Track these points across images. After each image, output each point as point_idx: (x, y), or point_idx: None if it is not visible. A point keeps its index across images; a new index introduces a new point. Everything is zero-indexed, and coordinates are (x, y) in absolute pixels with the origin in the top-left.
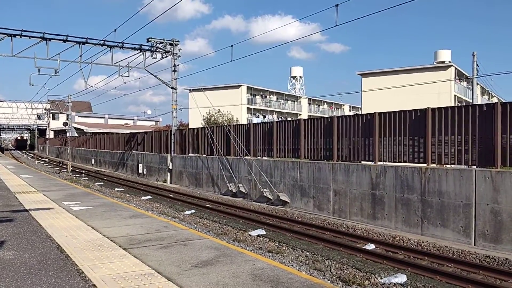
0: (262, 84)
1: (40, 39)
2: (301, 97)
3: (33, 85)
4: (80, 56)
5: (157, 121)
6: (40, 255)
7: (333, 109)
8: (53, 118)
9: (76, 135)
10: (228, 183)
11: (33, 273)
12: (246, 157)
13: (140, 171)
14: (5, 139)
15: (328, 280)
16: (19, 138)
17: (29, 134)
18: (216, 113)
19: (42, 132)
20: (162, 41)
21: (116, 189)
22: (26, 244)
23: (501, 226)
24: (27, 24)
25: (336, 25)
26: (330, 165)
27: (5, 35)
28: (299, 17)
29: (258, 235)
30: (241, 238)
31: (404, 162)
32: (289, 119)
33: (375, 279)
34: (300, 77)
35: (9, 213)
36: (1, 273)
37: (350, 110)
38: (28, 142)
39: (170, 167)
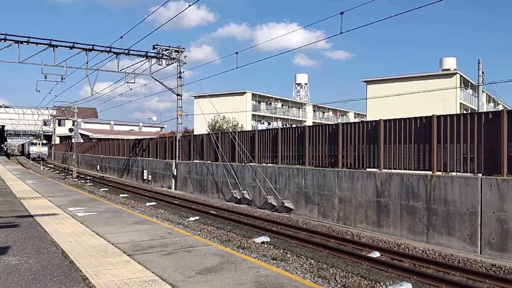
0: (267, 91)
1: (47, 46)
2: (306, 104)
3: (39, 91)
4: (87, 62)
5: (162, 127)
6: (45, 261)
7: (338, 116)
8: (59, 124)
9: (82, 141)
10: (233, 189)
11: (37, 278)
12: (251, 163)
13: (145, 177)
14: (11, 145)
15: None
16: (34, 142)
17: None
18: (221, 119)
19: (48, 138)
20: (168, 48)
21: (121, 195)
22: (31, 250)
23: (507, 235)
24: (34, 31)
25: (341, 33)
26: (335, 172)
27: (13, 42)
28: (304, 25)
29: (263, 242)
30: (245, 245)
31: (410, 169)
32: (294, 126)
33: (380, 287)
34: (305, 84)
35: (14, 218)
36: (6, 278)
37: (355, 117)
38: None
39: (175, 173)
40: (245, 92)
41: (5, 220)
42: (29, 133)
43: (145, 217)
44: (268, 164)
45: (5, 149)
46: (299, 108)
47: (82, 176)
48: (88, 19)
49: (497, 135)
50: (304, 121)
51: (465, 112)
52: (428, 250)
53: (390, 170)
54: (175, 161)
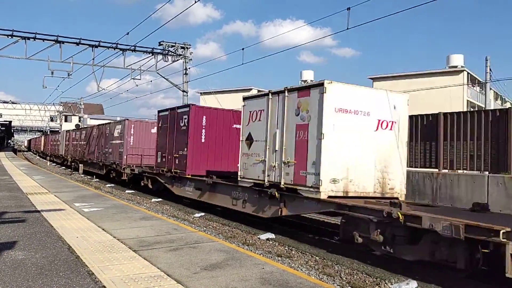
0: (272, 87)
1: (54, 42)
2: None
3: (46, 87)
4: (93, 59)
5: None
6: (51, 256)
7: None
8: (66, 120)
9: None
10: None
11: (44, 273)
12: None
13: None
14: (17, 140)
15: (338, 285)
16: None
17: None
18: None
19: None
20: (174, 44)
21: (127, 191)
22: (38, 245)
23: None
24: (41, 27)
25: (347, 28)
26: None
27: (19, 38)
28: (310, 21)
29: (268, 239)
30: (250, 241)
31: (415, 167)
32: None
33: (385, 285)
34: (310, 81)
35: (21, 213)
36: (12, 273)
37: None
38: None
39: None
40: (251, 89)
41: (12, 215)
42: (36, 129)
43: (150, 213)
44: None
45: (12, 145)
46: None
47: (89, 172)
48: (94, 16)
49: (504, 132)
50: None
51: (472, 109)
52: None
53: None
54: None
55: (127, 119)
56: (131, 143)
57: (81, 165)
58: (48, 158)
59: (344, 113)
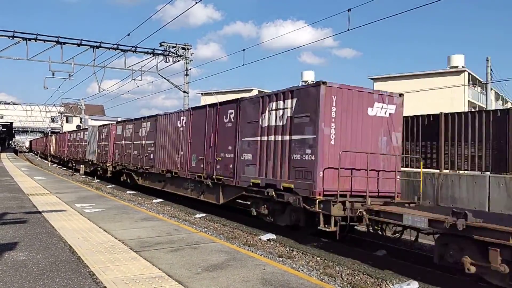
0: (273, 88)
1: (55, 43)
2: None
3: (47, 88)
4: (94, 60)
5: None
6: (53, 257)
7: None
8: (67, 121)
9: None
10: None
11: (45, 274)
12: None
13: None
14: (19, 141)
15: (339, 286)
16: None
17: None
18: None
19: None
20: (175, 45)
21: (128, 192)
22: (39, 246)
23: None
24: (42, 29)
25: (348, 30)
26: None
27: (21, 39)
28: (311, 22)
29: (269, 240)
30: (251, 242)
31: (417, 167)
32: None
33: (387, 285)
34: (311, 81)
35: (22, 214)
36: (14, 274)
37: None
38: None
39: None
40: (252, 89)
41: (13, 216)
42: (37, 130)
43: (152, 214)
44: None
45: (13, 146)
46: None
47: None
48: (95, 17)
49: (505, 133)
50: None
51: (473, 110)
52: None
53: None
54: None
55: (322, 82)
56: (332, 141)
57: (82, 166)
58: (50, 160)
59: None
